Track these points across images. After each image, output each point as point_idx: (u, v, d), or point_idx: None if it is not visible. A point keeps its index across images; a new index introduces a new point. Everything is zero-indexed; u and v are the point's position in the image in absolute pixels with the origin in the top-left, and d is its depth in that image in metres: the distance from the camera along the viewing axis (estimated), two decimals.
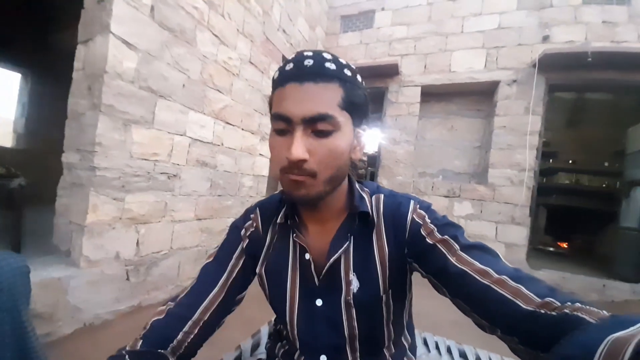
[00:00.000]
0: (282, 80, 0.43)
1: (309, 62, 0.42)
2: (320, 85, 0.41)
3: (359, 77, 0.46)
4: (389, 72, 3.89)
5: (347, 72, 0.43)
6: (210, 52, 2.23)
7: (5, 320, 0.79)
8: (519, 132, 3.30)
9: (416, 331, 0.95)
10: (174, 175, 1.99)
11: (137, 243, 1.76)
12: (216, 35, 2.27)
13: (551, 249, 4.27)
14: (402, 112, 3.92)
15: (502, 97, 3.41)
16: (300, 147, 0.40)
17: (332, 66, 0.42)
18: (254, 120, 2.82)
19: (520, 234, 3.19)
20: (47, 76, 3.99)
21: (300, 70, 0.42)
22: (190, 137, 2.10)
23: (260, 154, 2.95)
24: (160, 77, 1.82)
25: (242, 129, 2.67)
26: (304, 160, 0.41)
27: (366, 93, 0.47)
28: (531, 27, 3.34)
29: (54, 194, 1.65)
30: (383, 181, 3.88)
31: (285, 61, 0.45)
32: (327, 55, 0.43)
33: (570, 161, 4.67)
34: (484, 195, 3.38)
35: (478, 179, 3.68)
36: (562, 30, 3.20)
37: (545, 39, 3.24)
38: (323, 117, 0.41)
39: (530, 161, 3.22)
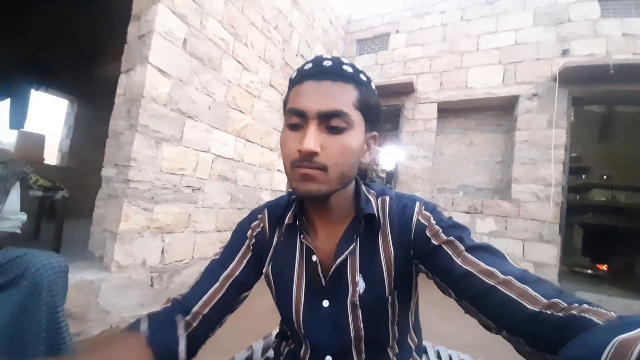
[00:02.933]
0: (299, 78, 0.45)
1: (327, 63, 0.44)
2: (338, 84, 0.43)
3: (373, 85, 0.47)
4: (405, 90, 3.97)
5: (363, 77, 0.45)
6: (234, 77, 2.43)
7: (43, 315, 0.87)
8: (543, 146, 3.19)
9: (429, 344, 0.94)
10: (198, 188, 2.13)
11: (162, 251, 1.88)
12: (240, 62, 2.48)
13: (589, 271, 3.93)
14: (419, 128, 3.94)
15: (523, 111, 3.35)
16: (312, 139, 0.41)
17: (350, 69, 0.44)
18: (273, 138, 2.97)
19: (550, 253, 3.00)
20: (90, 102, 4.49)
21: (319, 69, 0.43)
22: (214, 154, 2.26)
23: (278, 170, 3.07)
24: (189, 100, 2.01)
25: (262, 146, 2.82)
26: (316, 154, 0.41)
27: (379, 101, 0.48)
28: (549, 41, 3.32)
29: (91, 207, 1.83)
30: None
31: (304, 62, 0.47)
32: (344, 60, 0.45)
33: (605, 177, 4.38)
34: (508, 211, 3.25)
35: (501, 195, 3.55)
36: (581, 43, 3.15)
37: (565, 52, 3.20)
38: (338, 114, 0.42)
39: (556, 176, 3.08)
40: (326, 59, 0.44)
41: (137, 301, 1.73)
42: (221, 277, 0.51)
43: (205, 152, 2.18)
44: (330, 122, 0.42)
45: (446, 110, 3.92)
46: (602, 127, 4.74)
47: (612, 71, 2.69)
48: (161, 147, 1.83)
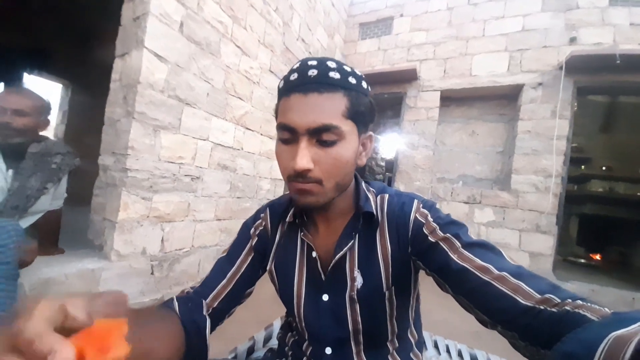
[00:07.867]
0: (286, 90, 0.44)
1: (313, 72, 0.42)
2: (325, 95, 0.41)
3: (364, 84, 0.46)
4: (407, 77, 3.88)
5: (352, 80, 0.43)
6: (233, 63, 2.36)
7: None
8: (545, 137, 3.16)
9: (427, 333, 0.96)
10: (197, 177, 2.11)
11: (162, 240, 1.88)
12: (239, 47, 2.40)
13: (582, 260, 4.00)
14: (421, 117, 3.89)
15: (527, 100, 3.30)
16: (305, 157, 0.41)
17: (337, 75, 0.42)
18: (273, 125, 2.90)
19: (546, 243, 3.04)
20: (85, 87, 4.36)
21: (304, 80, 0.42)
22: (213, 142, 2.23)
23: None
24: (187, 87, 1.95)
25: (261, 134, 2.78)
26: (309, 170, 0.42)
27: (372, 99, 0.47)
28: (557, 29, 3.23)
29: (89, 195, 1.81)
30: (400, 186, 3.84)
31: (290, 70, 0.45)
32: (331, 64, 0.43)
33: (604, 168, 4.39)
34: (506, 202, 3.26)
35: (500, 185, 3.56)
36: (589, 32, 3.07)
37: (572, 40, 3.11)
38: (327, 128, 0.41)
39: (557, 167, 3.08)
40: (311, 66, 0.43)
41: (138, 289, 1.74)
42: (229, 274, 0.55)
43: (204, 140, 2.15)
44: (321, 136, 0.42)
45: (449, 99, 3.86)
46: (605, 117, 4.68)
47: (618, 61, 2.64)
48: (159, 135, 1.80)
